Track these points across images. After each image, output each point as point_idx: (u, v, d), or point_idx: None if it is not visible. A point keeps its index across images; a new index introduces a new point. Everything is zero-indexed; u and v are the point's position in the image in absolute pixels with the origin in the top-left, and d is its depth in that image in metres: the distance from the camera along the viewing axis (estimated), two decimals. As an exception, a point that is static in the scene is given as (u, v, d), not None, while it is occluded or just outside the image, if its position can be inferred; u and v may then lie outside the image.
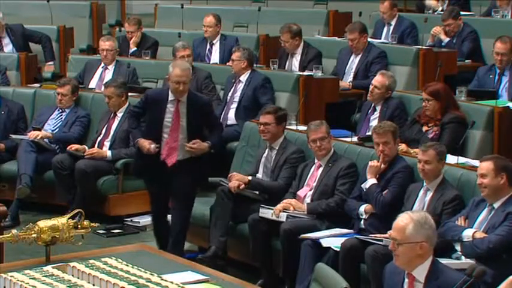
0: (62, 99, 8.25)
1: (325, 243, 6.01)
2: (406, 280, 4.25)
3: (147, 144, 6.57)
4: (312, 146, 6.54)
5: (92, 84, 9.09)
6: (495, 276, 5.15)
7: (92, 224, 5.00)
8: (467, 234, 5.51)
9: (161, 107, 6.61)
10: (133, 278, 4.39)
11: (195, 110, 6.63)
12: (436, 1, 10.47)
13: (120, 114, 7.97)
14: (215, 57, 9.65)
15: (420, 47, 9.06)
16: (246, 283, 4.78)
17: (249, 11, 11.29)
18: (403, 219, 4.22)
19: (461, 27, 9.29)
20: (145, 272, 4.47)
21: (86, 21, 11.48)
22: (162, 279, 4.36)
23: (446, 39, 9.31)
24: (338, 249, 5.90)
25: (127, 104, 7.96)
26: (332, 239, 6.04)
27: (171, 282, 4.32)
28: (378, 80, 7.57)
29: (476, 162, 6.24)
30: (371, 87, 7.59)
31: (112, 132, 7.95)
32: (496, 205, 5.55)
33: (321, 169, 6.54)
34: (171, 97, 6.63)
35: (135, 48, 9.87)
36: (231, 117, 8.36)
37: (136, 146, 6.73)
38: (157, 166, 6.61)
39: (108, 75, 9.05)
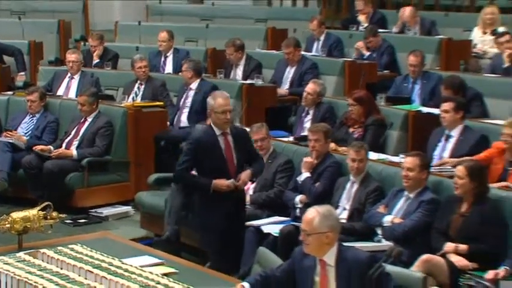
0: (32, 105, 8.12)
1: (265, 229, 5.99)
2: (318, 266, 4.23)
3: (225, 182, 5.60)
4: (255, 145, 6.51)
5: (60, 91, 8.96)
6: (410, 256, 5.20)
7: (60, 215, 4.92)
8: (387, 220, 5.55)
9: (213, 144, 5.65)
10: (96, 262, 4.33)
11: (240, 139, 5.76)
12: (364, 17, 10.56)
13: (90, 119, 7.85)
14: (169, 68, 9.57)
15: (346, 59, 9.11)
16: (196, 265, 4.74)
17: (198, 27, 11.27)
18: (310, 213, 4.21)
19: (380, 42, 9.37)
20: (108, 257, 4.40)
21: (54, 37, 11.32)
22: (123, 263, 4.30)
23: (367, 53, 9.39)
24: (277, 235, 5.88)
25: (97, 110, 7.86)
26: (272, 226, 6.02)
27: (131, 265, 4.27)
28: (310, 87, 7.59)
29: (394, 158, 6.30)
30: (305, 93, 7.61)
31: (81, 134, 7.80)
32: (412, 195, 5.60)
33: (261, 165, 6.50)
34: (217, 131, 5.69)
35: (98, 60, 9.76)
36: (183, 120, 8.31)
37: (210, 191, 5.62)
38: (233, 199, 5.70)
39: (74, 84, 8.95)
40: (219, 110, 5.63)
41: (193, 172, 5.82)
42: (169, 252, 5.18)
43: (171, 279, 3.98)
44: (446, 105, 6.51)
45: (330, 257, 4.19)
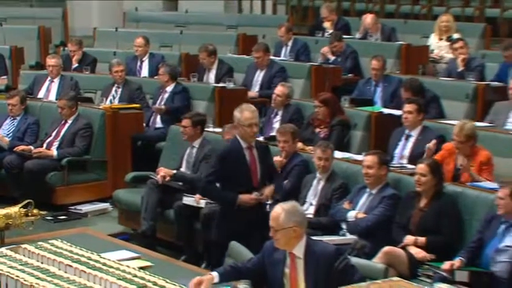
0: (13, 109, 8.02)
1: (237, 224, 5.97)
2: (288, 258, 4.23)
3: (251, 197, 5.43)
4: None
5: (40, 94, 8.86)
6: (372, 248, 5.23)
7: (41, 212, 4.88)
8: (351, 215, 5.57)
9: (240, 157, 5.48)
10: (76, 256, 4.29)
11: (262, 153, 5.62)
12: (329, 24, 10.61)
13: (69, 121, 7.77)
14: (145, 72, 9.52)
15: (312, 63, 9.12)
16: (171, 259, 4.73)
17: (173, 33, 11.24)
18: (276, 210, 4.21)
19: (344, 47, 9.41)
20: (87, 252, 4.36)
21: (34, 42, 11.21)
22: (101, 257, 4.27)
23: (332, 58, 9.42)
24: (248, 229, 5.87)
25: (76, 113, 7.79)
26: (243, 220, 6.00)
27: (108, 260, 4.23)
28: (279, 89, 7.59)
29: (358, 157, 6.33)
30: (274, 96, 7.61)
31: (61, 135, 7.72)
32: (374, 191, 5.62)
33: (233, 164, 6.48)
34: (243, 144, 5.52)
35: (77, 65, 9.66)
36: (158, 122, 8.27)
37: (234, 206, 5.43)
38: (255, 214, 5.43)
39: (54, 87, 8.85)
40: (245, 123, 5.46)
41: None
42: (146, 247, 5.16)
43: (147, 272, 3.96)
44: (409, 107, 6.54)
45: (299, 250, 4.19)
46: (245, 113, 5.51)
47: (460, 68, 8.38)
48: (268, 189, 5.52)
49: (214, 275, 4.21)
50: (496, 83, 7.90)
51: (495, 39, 10.25)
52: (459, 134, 5.90)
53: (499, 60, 8.24)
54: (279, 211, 4.19)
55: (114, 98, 8.58)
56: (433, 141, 6.19)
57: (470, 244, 5.01)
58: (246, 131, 5.48)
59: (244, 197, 5.43)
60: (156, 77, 8.81)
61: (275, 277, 4.23)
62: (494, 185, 5.51)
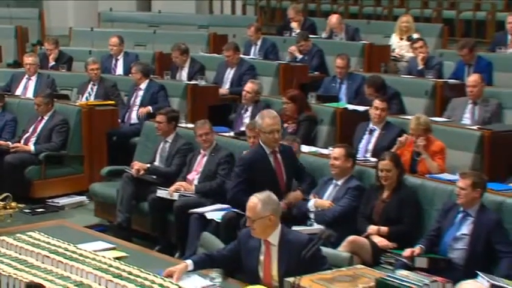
0: (-10, 107, 7.92)
1: (209, 216, 5.95)
2: (263, 246, 4.23)
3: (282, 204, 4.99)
4: (199, 140, 6.47)
5: (18, 92, 8.73)
6: (338, 237, 5.24)
7: (19, 205, 4.82)
8: (311, 204, 5.57)
9: (264, 163, 5.30)
10: (53, 247, 4.23)
11: (287, 157, 5.44)
12: (296, 24, 10.61)
13: (46, 117, 7.67)
14: (119, 70, 9.43)
15: (280, 62, 9.11)
16: (146, 249, 4.69)
17: (146, 33, 11.16)
18: (252, 201, 4.20)
19: (310, 46, 9.42)
20: (64, 243, 4.31)
21: (12, 41, 11.07)
22: (77, 248, 4.22)
23: (300, 56, 9.42)
24: (220, 221, 5.85)
25: (53, 109, 7.68)
26: (215, 212, 5.98)
27: (85, 250, 4.18)
28: (249, 86, 7.57)
29: (324, 151, 6.34)
30: (244, 92, 7.58)
31: (38, 131, 7.62)
32: (340, 182, 5.64)
33: (205, 157, 6.47)
34: (267, 150, 5.37)
35: (54, 63, 9.55)
36: (133, 118, 8.21)
37: None
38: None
39: (32, 85, 8.74)
40: (267, 129, 5.31)
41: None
42: (121, 238, 5.11)
43: (122, 262, 3.93)
44: (380, 104, 6.56)
45: (274, 238, 4.19)
46: (266, 119, 5.34)
47: (420, 66, 8.44)
48: (293, 195, 5.38)
49: (189, 263, 4.18)
50: (453, 80, 7.97)
51: (452, 39, 10.35)
52: (416, 127, 5.99)
53: (455, 59, 8.32)
54: (255, 201, 4.18)
55: (90, 95, 8.50)
56: (405, 136, 6.20)
57: (429, 232, 5.05)
58: (267, 138, 5.31)
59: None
60: (131, 75, 8.74)
61: (250, 264, 4.23)
62: (452, 177, 5.57)
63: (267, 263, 4.18)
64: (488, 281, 4.38)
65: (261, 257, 4.21)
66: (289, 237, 4.19)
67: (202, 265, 4.22)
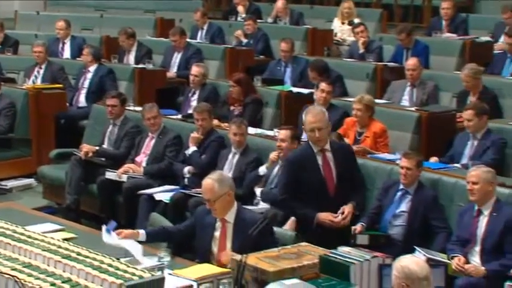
0: None
1: (157, 197, 5.93)
2: (219, 223, 4.24)
3: (330, 218, 4.70)
4: (147, 123, 6.41)
5: (-35, 76, 8.52)
6: (284, 216, 5.26)
7: (-34, 189, 4.66)
8: (262, 169, 5.63)
9: (311, 162, 4.75)
10: (1, 230, 4.12)
11: (341, 158, 4.84)
12: (242, 8, 10.56)
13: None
14: (67, 53, 9.24)
15: (226, 46, 9.08)
16: (95, 230, 4.63)
17: (93, 17, 10.97)
18: (207, 182, 4.20)
19: (256, 31, 9.40)
20: (11, 225, 4.20)
21: (-44, 25, 10.69)
22: (26, 230, 4.12)
23: (245, 40, 9.40)
24: (168, 202, 5.83)
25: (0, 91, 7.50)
26: (163, 193, 5.96)
27: (33, 232, 4.09)
28: (195, 70, 7.51)
29: (270, 132, 6.36)
30: (191, 77, 7.52)
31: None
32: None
33: (153, 140, 6.42)
34: (315, 149, 4.82)
35: (0, 46, 9.30)
36: (81, 101, 8.06)
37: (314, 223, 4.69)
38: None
39: (-22, 69, 8.52)
40: (307, 127, 4.83)
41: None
42: (70, 220, 5.04)
43: (71, 243, 3.86)
44: (327, 87, 6.59)
45: (231, 216, 4.20)
46: (308, 116, 4.84)
47: (361, 50, 8.53)
48: (348, 208, 4.74)
49: (141, 232, 4.17)
50: (393, 63, 8.08)
51: (391, 24, 10.47)
52: (359, 103, 6.07)
53: (394, 43, 8.43)
54: (210, 182, 4.18)
55: (36, 78, 8.31)
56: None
57: (370, 210, 5.12)
58: (309, 136, 4.83)
59: (322, 216, 4.69)
60: (78, 59, 8.60)
61: (203, 240, 4.23)
62: (391, 156, 5.66)
63: (222, 240, 4.19)
64: (424, 255, 4.49)
65: (216, 234, 4.22)
66: (245, 216, 4.21)
67: (155, 237, 4.22)
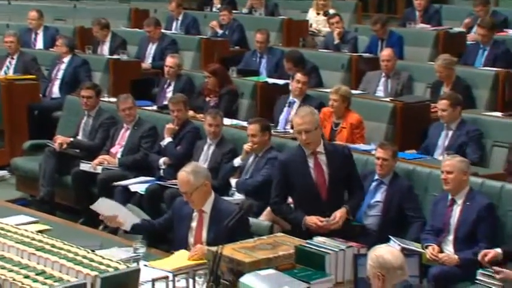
0: None
1: (133, 188, 5.90)
2: (196, 213, 4.24)
3: (318, 222, 4.43)
4: (122, 114, 6.37)
5: None
6: (259, 207, 5.27)
7: None
8: (237, 160, 5.63)
9: (302, 167, 4.46)
10: (-27, 223, 4.06)
11: (335, 161, 4.48)
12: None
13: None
14: (39, 44, 9.13)
15: (202, 36, 9.04)
16: (69, 222, 4.60)
17: (66, 7, 10.88)
18: (182, 175, 4.19)
19: (230, 19, 9.37)
20: (-16, 218, 4.15)
21: None
22: (-1, 223, 4.07)
23: (220, 31, 9.37)
24: (143, 193, 5.81)
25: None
26: (138, 185, 5.93)
27: (6, 224, 4.04)
28: (170, 61, 7.46)
29: (246, 123, 6.35)
30: (167, 68, 7.46)
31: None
32: (260, 154, 5.65)
33: (128, 131, 6.38)
34: (306, 151, 4.48)
35: (-30, 37, 9.17)
36: (55, 92, 7.96)
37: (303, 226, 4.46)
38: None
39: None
40: (295, 129, 4.53)
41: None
42: (44, 212, 5.00)
43: (45, 235, 3.82)
44: (302, 78, 6.59)
45: (207, 206, 4.20)
46: (295, 117, 4.51)
47: (336, 41, 8.55)
48: (340, 213, 4.43)
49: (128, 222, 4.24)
50: (368, 54, 8.11)
51: (365, 15, 10.52)
52: (335, 94, 6.10)
53: (369, 34, 8.47)
54: (185, 175, 4.17)
55: (8, 69, 8.20)
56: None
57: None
58: (297, 138, 4.50)
59: (309, 219, 4.44)
60: (51, 49, 8.50)
61: (181, 231, 4.23)
62: (367, 147, 5.68)
63: (199, 230, 4.19)
64: (399, 245, 4.52)
65: (193, 224, 4.22)
66: (221, 206, 4.20)
67: (141, 228, 4.28)
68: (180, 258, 3.91)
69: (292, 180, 4.52)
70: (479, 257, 4.30)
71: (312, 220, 4.45)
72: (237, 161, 5.66)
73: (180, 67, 7.50)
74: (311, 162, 4.45)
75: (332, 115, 6.21)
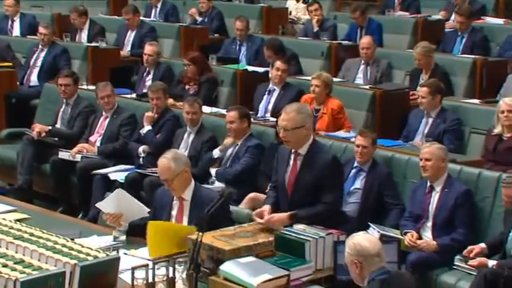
0: None
1: (112, 176, 5.87)
2: (176, 201, 4.22)
3: (255, 216, 4.19)
4: (101, 102, 6.32)
5: None
6: (239, 195, 5.28)
7: None
8: (215, 151, 5.63)
9: (284, 162, 4.32)
10: (-49, 213, 4.02)
11: (312, 167, 4.20)
12: None
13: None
14: (16, 31, 9.01)
15: (181, 24, 8.99)
16: (48, 211, 4.56)
17: (44, -6, 10.71)
18: (163, 162, 4.16)
19: (210, 7, 9.32)
20: (-38, 207, 4.10)
21: None
22: (-23, 212, 4.03)
23: (200, 19, 9.32)
24: (123, 181, 5.78)
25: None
26: (118, 173, 5.91)
27: (-16, 214, 4.00)
28: (149, 49, 7.41)
29: (224, 111, 6.33)
30: (145, 57, 7.41)
31: None
32: (239, 142, 5.65)
33: (107, 119, 6.34)
34: (293, 150, 4.30)
35: None
36: (33, 80, 7.86)
37: None
38: None
39: None
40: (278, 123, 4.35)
41: None
42: (22, 200, 4.95)
43: (23, 224, 3.79)
44: (282, 65, 6.58)
45: (188, 194, 4.18)
46: (282, 111, 4.30)
47: (316, 29, 8.56)
48: (280, 216, 4.10)
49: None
50: (347, 42, 8.13)
51: (344, 2, 10.52)
52: (317, 79, 6.10)
53: (348, 21, 8.48)
54: (166, 161, 4.15)
55: (-18, 56, 8.09)
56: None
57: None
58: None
59: (257, 211, 4.21)
60: (29, 36, 8.39)
61: (162, 219, 4.19)
62: (346, 134, 5.70)
63: (179, 218, 4.18)
64: (378, 232, 4.56)
65: (173, 212, 4.21)
66: (202, 193, 4.19)
67: (140, 227, 4.11)
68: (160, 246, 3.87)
69: (275, 174, 4.42)
70: (465, 253, 4.36)
71: (256, 212, 4.19)
72: (215, 153, 5.64)
73: (159, 55, 7.46)
74: (291, 161, 4.29)
75: (313, 101, 6.21)
